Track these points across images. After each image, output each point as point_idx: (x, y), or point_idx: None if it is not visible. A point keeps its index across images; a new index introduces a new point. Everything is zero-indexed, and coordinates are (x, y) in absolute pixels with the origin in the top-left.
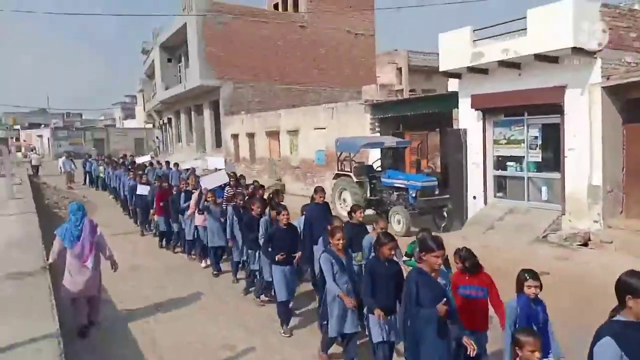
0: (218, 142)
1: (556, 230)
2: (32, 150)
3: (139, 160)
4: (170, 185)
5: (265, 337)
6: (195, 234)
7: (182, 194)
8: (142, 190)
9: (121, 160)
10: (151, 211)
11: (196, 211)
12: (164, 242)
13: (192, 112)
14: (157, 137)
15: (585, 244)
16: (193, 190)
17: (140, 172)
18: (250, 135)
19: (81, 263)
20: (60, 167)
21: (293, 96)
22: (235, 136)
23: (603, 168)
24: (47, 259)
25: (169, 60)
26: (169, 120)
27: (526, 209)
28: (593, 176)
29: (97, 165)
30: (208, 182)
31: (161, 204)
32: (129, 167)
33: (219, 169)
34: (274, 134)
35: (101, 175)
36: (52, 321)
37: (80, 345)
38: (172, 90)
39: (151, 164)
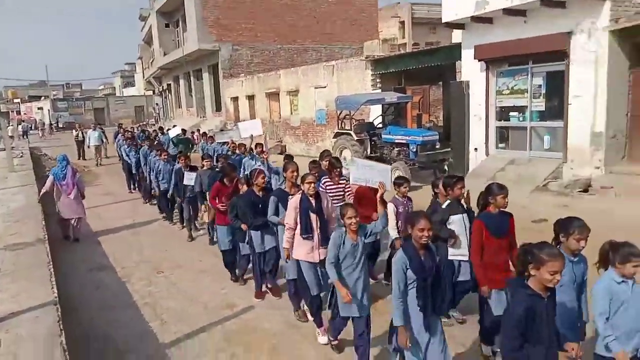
0: (218, 106)
1: (557, 178)
2: (21, 122)
3: (172, 133)
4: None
5: (266, 296)
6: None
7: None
8: (190, 178)
9: (143, 133)
10: (202, 207)
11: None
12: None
13: (192, 77)
14: (156, 104)
15: (585, 191)
16: (284, 188)
17: (185, 154)
18: (250, 97)
19: (67, 195)
20: (88, 140)
21: (293, 56)
22: (235, 99)
23: (607, 114)
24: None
25: (167, 26)
26: (169, 86)
27: (528, 159)
28: (596, 123)
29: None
30: (244, 130)
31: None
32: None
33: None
34: (273, 95)
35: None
36: (50, 289)
37: (80, 310)
38: (170, 56)
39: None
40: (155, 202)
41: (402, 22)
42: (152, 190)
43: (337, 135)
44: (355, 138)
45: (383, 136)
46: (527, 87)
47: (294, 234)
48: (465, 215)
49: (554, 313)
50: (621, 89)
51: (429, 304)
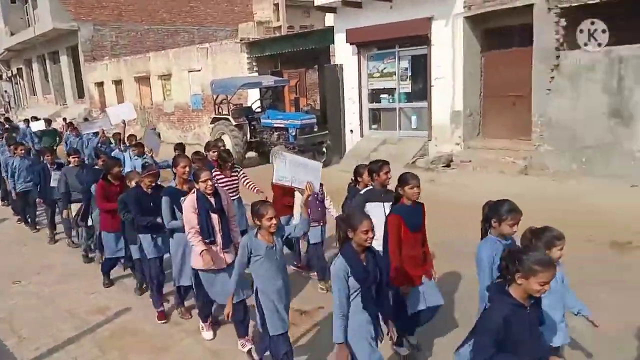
0: (80, 92)
1: (424, 155)
2: None
3: (35, 126)
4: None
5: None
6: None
7: (149, 193)
8: (55, 179)
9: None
10: (65, 211)
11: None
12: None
13: (47, 60)
14: (5, 91)
15: (448, 165)
16: (179, 186)
17: (51, 148)
18: (117, 82)
19: None
20: None
21: (163, 37)
22: (99, 84)
23: (464, 94)
24: None
25: (13, 1)
26: (19, 70)
27: (398, 138)
28: (455, 102)
29: None
30: (114, 116)
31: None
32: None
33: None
34: (143, 80)
35: None
36: None
37: None
38: (19, 36)
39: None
40: (7, 202)
41: (276, 5)
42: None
43: (214, 120)
44: (234, 123)
45: (262, 120)
46: (395, 70)
47: (201, 237)
48: (389, 204)
49: (539, 322)
50: (475, 71)
51: (377, 313)
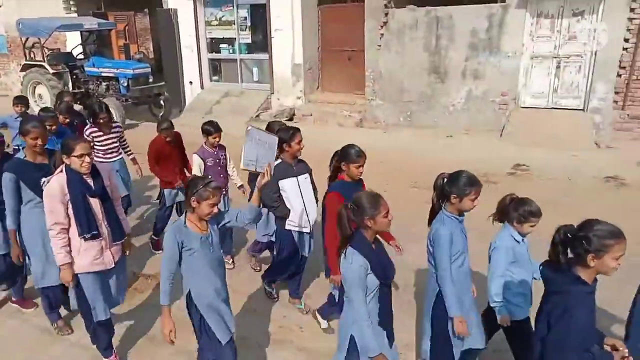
0: None
1: (267, 108)
2: None
3: None
4: None
5: None
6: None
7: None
8: None
9: None
10: None
11: (58, 237)
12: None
13: None
14: None
15: (291, 119)
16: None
17: None
18: None
19: None
20: None
21: None
22: None
23: (303, 47)
24: None
25: None
26: None
27: (240, 91)
28: (295, 55)
29: None
30: None
31: None
32: None
33: None
34: None
35: None
36: None
37: None
38: None
39: None
40: None
41: None
42: None
43: (25, 67)
44: (52, 71)
45: (86, 69)
46: (234, 19)
47: (68, 238)
48: (305, 175)
49: None
50: (313, 24)
51: (391, 315)
